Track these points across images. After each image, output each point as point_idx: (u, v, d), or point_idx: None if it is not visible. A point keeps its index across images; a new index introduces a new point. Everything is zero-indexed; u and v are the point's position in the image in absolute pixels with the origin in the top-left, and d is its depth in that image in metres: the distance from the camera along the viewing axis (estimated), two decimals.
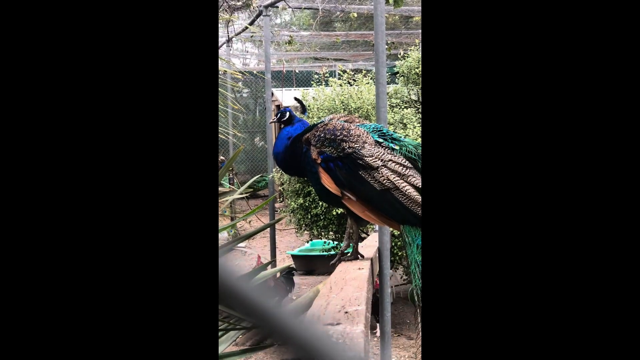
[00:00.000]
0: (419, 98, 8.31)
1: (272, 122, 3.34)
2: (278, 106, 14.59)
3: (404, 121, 7.28)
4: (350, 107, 7.33)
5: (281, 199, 10.96)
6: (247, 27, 10.45)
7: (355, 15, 10.91)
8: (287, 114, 3.15)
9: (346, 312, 1.81)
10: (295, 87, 16.26)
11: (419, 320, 2.77)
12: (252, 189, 14.31)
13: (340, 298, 2.07)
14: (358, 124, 3.02)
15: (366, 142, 2.86)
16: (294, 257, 9.92)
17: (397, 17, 14.65)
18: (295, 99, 3.46)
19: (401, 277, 7.79)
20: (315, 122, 3.10)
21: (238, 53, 17.80)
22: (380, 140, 2.91)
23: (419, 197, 2.77)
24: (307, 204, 7.19)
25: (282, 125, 3.15)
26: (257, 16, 9.85)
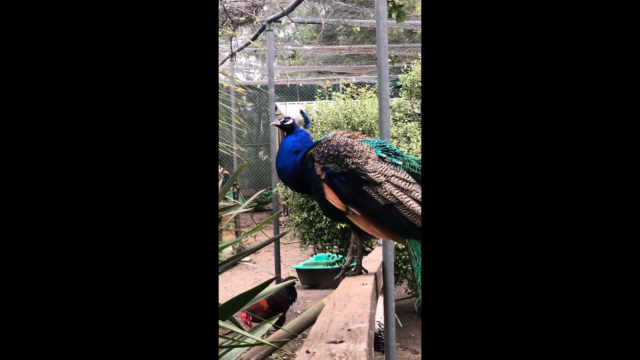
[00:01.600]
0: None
1: (273, 124, 3.34)
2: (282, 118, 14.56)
3: (408, 135, 7.28)
4: (353, 121, 7.34)
5: (285, 213, 10.95)
6: (250, 42, 10.49)
7: (358, 29, 10.94)
8: (290, 120, 3.16)
9: (349, 330, 1.80)
10: (299, 100, 16.29)
11: None
12: (257, 203, 14.31)
13: (344, 315, 2.07)
14: (361, 139, 3.02)
15: (369, 158, 2.87)
16: (298, 270, 9.91)
17: (401, 29, 14.69)
18: (301, 111, 3.47)
19: (405, 291, 7.78)
20: (319, 138, 3.10)
21: (242, 67, 17.86)
22: (384, 155, 2.91)
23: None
24: (311, 218, 7.19)
25: (285, 134, 3.16)
26: (261, 31, 9.89)
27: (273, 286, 2.88)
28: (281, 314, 7.13)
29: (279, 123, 3.18)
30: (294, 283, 7.86)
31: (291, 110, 14.18)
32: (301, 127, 3.20)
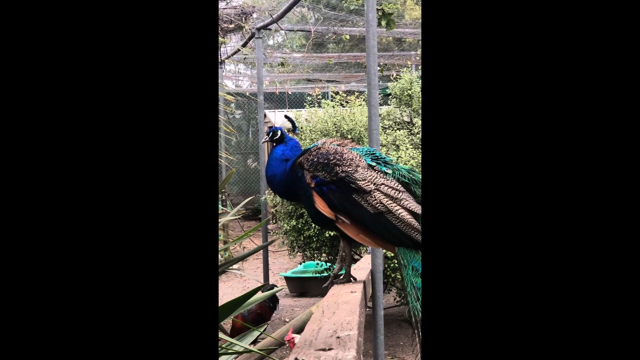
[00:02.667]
0: (411, 119, 8.34)
1: (264, 142, 3.33)
2: (270, 127, 14.58)
3: (397, 143, 7.29)
4: (342, 129, 7.34)
5: (274, 221, 10.94)
6: (239, 49, 10.49)
7: (348, 37, 10.97)
8: (279, 132, 3.16)
9: (338, 337, 1.80)
10: (288, 108, 16.29)
11: (417, 341, 2.76)
12: (245, 211, 14.26)
13: (333, 322, 2.06)
14: (350, 147, 3.02)
15: (359, 166, 2.87)
16: (286, 278, 9.89)
17: (390, 38, 14.73)
18: (286, 116, 3.46)
19: (394, 299, 7.77)
20: (308, 146, 3.10)
21: (231, 75, 17.85)
22: (373, 163, 2.92)
23: (412, 220, 2.77)
24: (299, 226, 7.18)
25: (274, 145, 3.15)
26: (250, 38, 9.89)
27: (260, 294, 2.87)
28: (267, 322, 7.07)
29: (267, 139, 3.18)
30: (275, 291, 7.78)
31: (280, 118, 14.18)
32: (290, 135, 3.20)
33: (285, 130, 3.22)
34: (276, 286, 8.57)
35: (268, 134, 3.18)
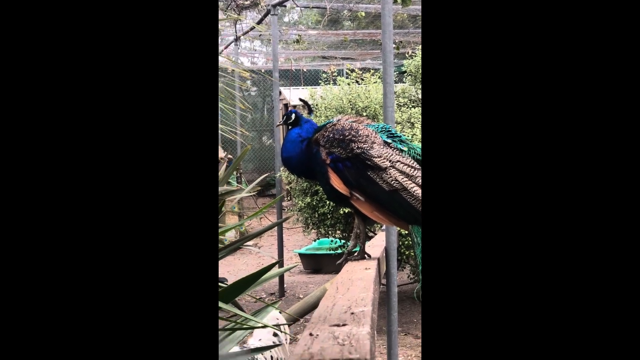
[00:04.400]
0: None
1: (278, 125, 3.31)
2: (286, 105, 14.60)
3: (412, 120, 7.27)
4: (358, 106, 7.33)
5: (289, 198, 10.97)
6: (254, 26, 10.46)
7: (363, 14, 10.91)
8: (293, 115, 3.13)
9: (352, 313, 1.81)
10: (303, 85, 16.26)
11: None
12: (259, 187, 14.29)
13: (347, 299, 2.07)
14: (366, 124, 3.01)
15: (375, 143, 2.86)
16: (301, 255, 9.94)
17: (405, 15, 14.64)
18: (301, 99, 3.44)
19: (408, 277, 7.80)
20: (324, 122, 3.09)
21: (246, 52, 17.83)
22: (389, 140, 2.91)
23: None
24: (314, 203, 7.20)
25: (290, 127, 3.12)
26: (265, 15, 9.86)
27: (275, 270, 2.88)
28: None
29: (282, 122, 3.15)
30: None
31: (295, 95, 14.16)
32: (306, 117, 3.17)
33: (301, 114, 3.19)
34: (226, 280, 8.31)
35: (283, 117, 3.16)
